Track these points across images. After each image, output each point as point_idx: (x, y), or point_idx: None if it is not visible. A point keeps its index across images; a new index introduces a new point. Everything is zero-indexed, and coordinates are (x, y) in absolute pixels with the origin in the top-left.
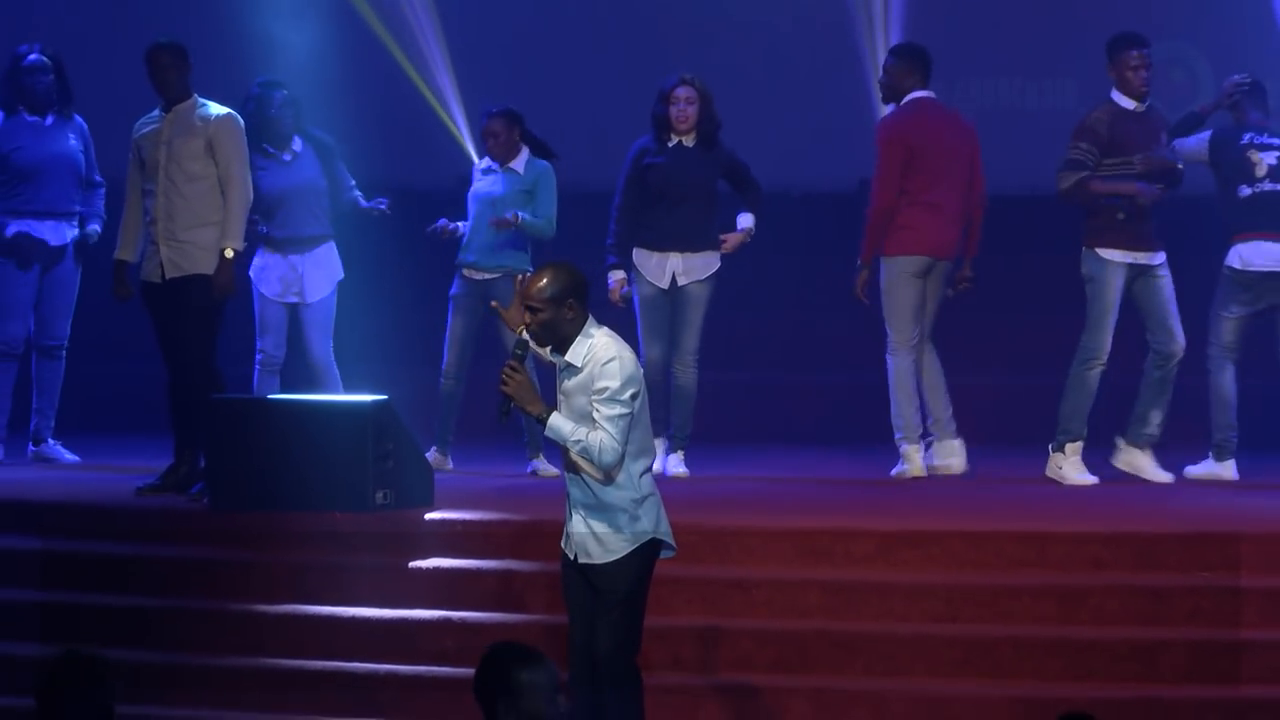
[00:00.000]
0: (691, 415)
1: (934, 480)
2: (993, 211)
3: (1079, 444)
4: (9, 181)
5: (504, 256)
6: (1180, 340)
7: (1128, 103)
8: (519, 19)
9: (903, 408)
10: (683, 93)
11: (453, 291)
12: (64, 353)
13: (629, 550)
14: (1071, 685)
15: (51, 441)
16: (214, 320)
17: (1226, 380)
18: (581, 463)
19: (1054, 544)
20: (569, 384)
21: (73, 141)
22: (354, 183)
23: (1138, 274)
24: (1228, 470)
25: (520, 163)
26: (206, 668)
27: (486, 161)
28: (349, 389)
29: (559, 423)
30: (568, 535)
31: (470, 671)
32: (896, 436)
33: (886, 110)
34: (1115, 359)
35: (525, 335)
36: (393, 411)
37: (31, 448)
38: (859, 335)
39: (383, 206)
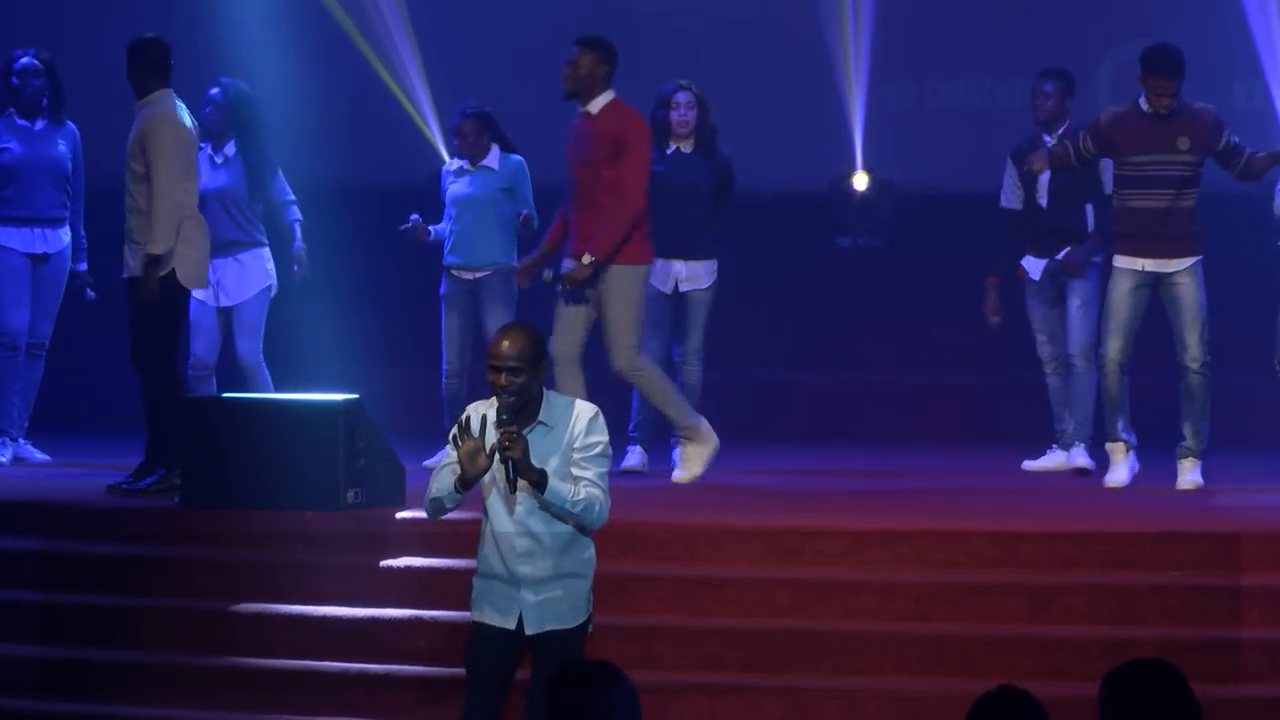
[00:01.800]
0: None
1: (905, 479)
2: (964, 211)
3: (1117, 444)
4: None
5: (492, 253)
6: (1194, 352)
7: (1148, 108)
8: (488, 16)
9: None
10: (683, 98)
11: (442, 291)
12: (44, 353)
13: (585, 617)
14: (1042, 683)
15: (23, 441)
16: (163, 321)
17: None
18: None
19: (1025, 543)
20: (538, 445)
21: (61, 147)
22: (293, 198)
23: (1153, 282)
24: None
25: (493, 159)
26: (176, 667)
27: (457, 162)
28: (321, 389)
29: (559, 485)
30: (503, 609)
31: (440, 670)
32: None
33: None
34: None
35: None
36: (364, 410)
37: None
38: (830, 334)
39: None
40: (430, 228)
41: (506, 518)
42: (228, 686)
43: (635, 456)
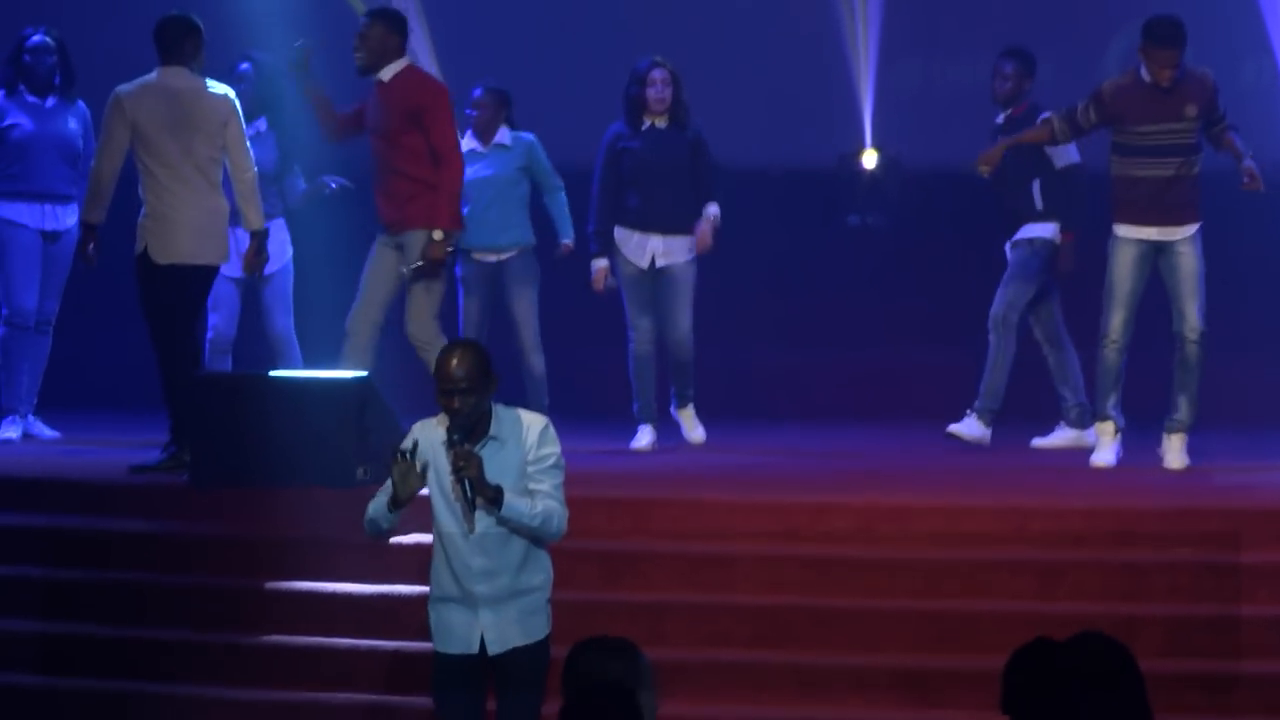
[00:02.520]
0: (692, 380)
1: (913, 456)
2: (972, 189)
3: (1107, 424)
4: (3, 160)
5: (514, 234)
6: (1192, 322)
7: (1148, 77)
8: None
9: None
10: (658, 74)
11: (460, 274)
12: (51, 329)
13: (546, 634)
14: None
15: (33, 418)
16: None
17: None
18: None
19: (1033, 520)
20: (491, 460)
21: (72, 125)
22: (297, 169)
23: (1155, 250)
24: None
25: (505, 137)
26: (187, 643)
27: (469, 142)
28: (332, 367)
29: (515, 500)
30: (463, 636)
31: None
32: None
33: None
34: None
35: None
36: (374, 388)
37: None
38: (837, 312)
39: (333, 185)
40: None
41: (460, 538)
42: (239, 663)
43: (646, 436)
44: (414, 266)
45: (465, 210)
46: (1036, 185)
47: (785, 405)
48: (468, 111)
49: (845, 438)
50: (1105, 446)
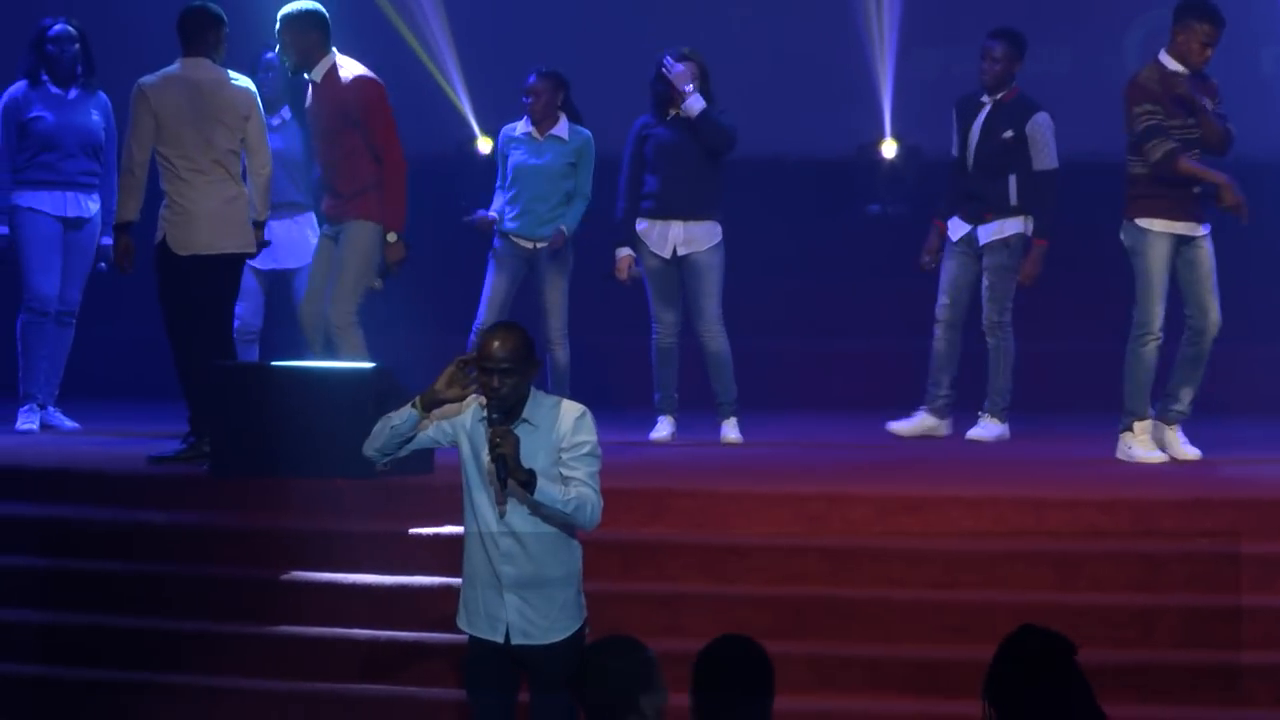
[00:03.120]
0: (733, 380)
1: (932, 446)
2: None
3: (1146, 423)
4: (28, 149)
5: (555, 225)
6: (1214, 317)
7: (1178, 66)
8: None
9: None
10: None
11: (495, 247)
12: (73, 320)
13: (576, 628)
14: None
15: (52, 409)
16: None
17: None
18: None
19: (1052, 511)
20: (523, 443)
21: (94, 116)
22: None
23: (1179, 245)
24: None
25: (563, 129)
26: (207, 634)
27: (524, 125)
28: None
29: (549, 485)
30: (489, 618)
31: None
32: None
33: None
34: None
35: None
36: (394, 379)
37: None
38: (858, 300)
39: None
40: (485, 213)
41: (491, 518)
42: (258, 653)
43: (665, 428)
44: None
45: (506, 194)
46: (1013, 180)
47: (805, 394)
48: (524, 99)
49: (863, 428)
50: (1150, 444)
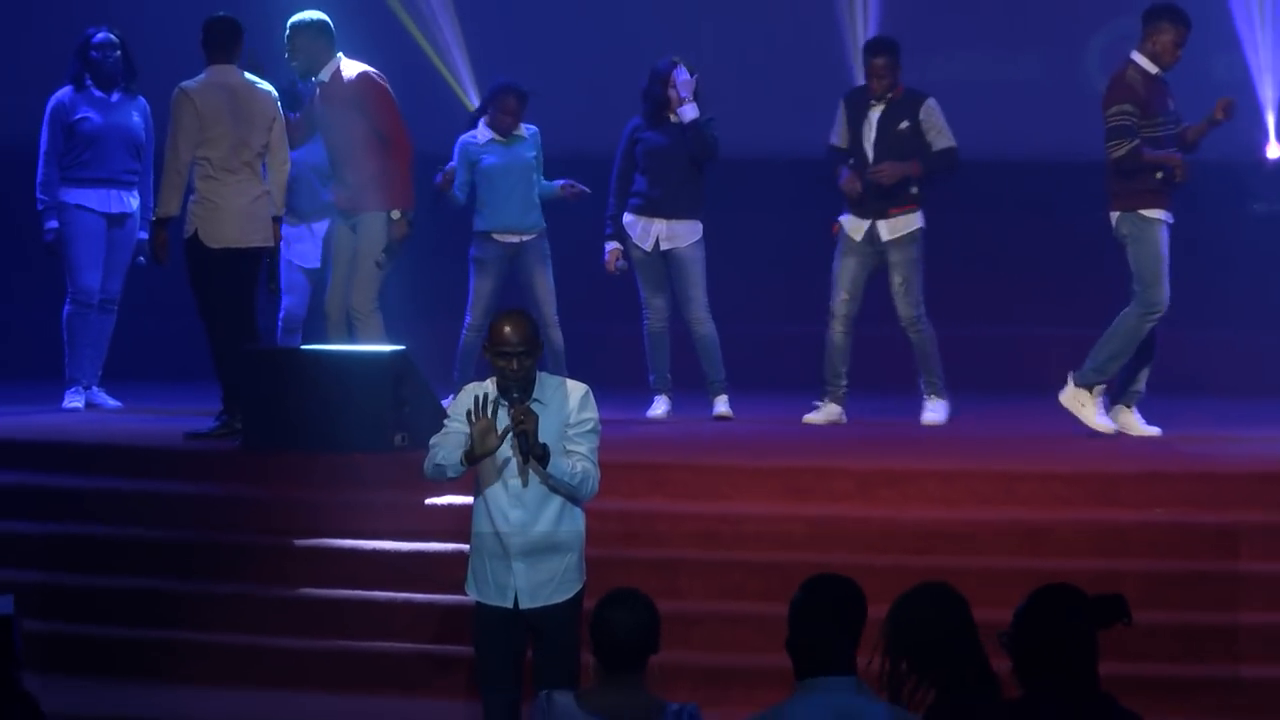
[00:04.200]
0: (720, 362)
1: (911, 423)
2: (966, 176)
3: (1103, 388)
4: (74, 150)
5: (533, 217)
6: (1168, 298)
7: (1151, 67)
8: None
9: None
10: (686, 77)
11: (475, 254)
12: (115, 308)
13: (577, 590)
14: None
15: (96, 389)
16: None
17: None
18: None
19: (1021, 483)
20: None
21: (135, 117)
22: None
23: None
24: None
25: (523, 129)
26: (238, 596)
27: (486, 133)
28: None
29: (559, 459)
30: (498, 586)
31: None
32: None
33: None
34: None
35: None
36: (410, 361)
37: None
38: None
39: None
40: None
41: (502, 490)
42: (284, 614)
43: (661, 406)
44: (385, 250)
45: (488, 197)
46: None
47: (790, 376)
48: (491, 110)
49: (847, 406)
50: (1103, 410)
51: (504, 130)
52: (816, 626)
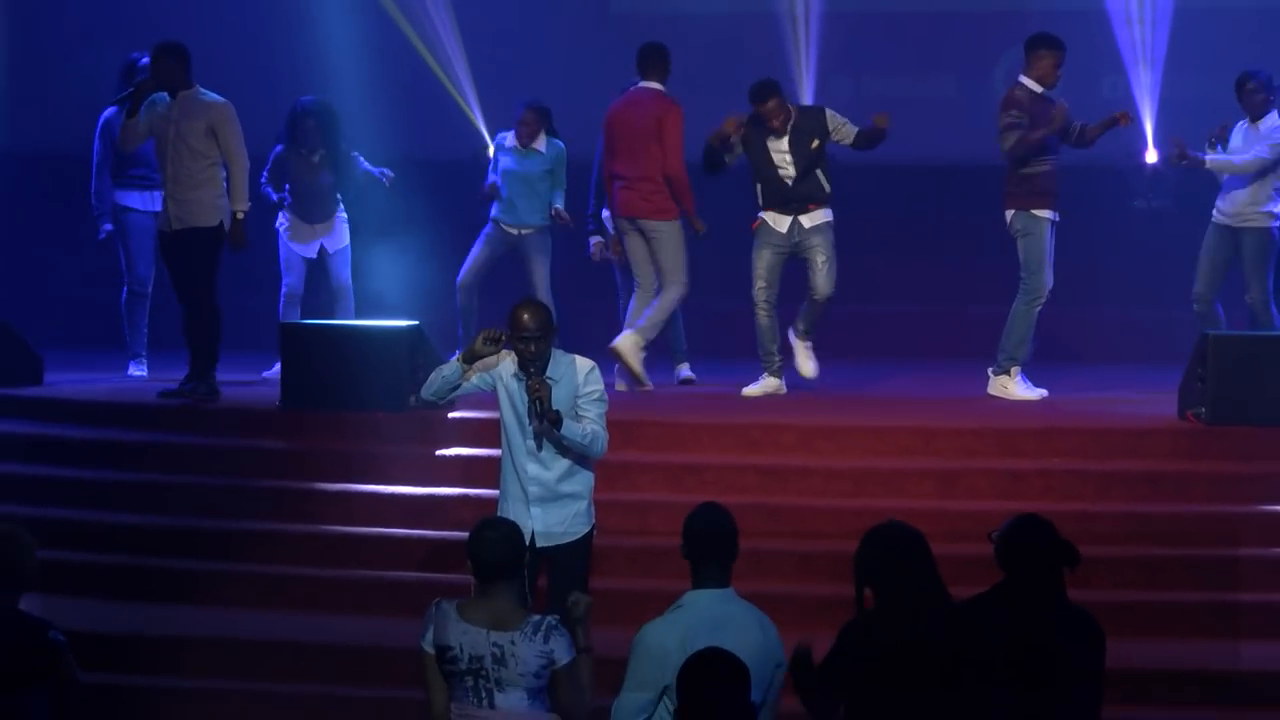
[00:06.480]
0: (683, 332)
1: (847, 387)
2: (892, 179)
3: (1019, 368)
4: (124, 159)
5: (532, 217)
6: (1050, 284)
7: (1037, 87)
8: (527, 12)
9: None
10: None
11: (485, 230)
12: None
13: (588, 528)
14: (949, 545)
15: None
16: (218, 261)
17: None
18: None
19: (937, 437)
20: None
21: None
22: (361, 157)
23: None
24: None
25: (541, 144)
26: (272, 533)
27: (512, 138)
28: (389, 317)
29: (570, 423)
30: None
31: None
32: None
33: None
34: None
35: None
36: (423, 334)
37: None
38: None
39: (386, 176)
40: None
41: (523, 449)
42: (314, 549)
43: (684, 371)
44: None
45: (502, 192)
46: (819, 173)
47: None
48: (515, 121)
49: (794, 375)
50: (1028, 382)
51: (522, 141)
52: (698, 548)
